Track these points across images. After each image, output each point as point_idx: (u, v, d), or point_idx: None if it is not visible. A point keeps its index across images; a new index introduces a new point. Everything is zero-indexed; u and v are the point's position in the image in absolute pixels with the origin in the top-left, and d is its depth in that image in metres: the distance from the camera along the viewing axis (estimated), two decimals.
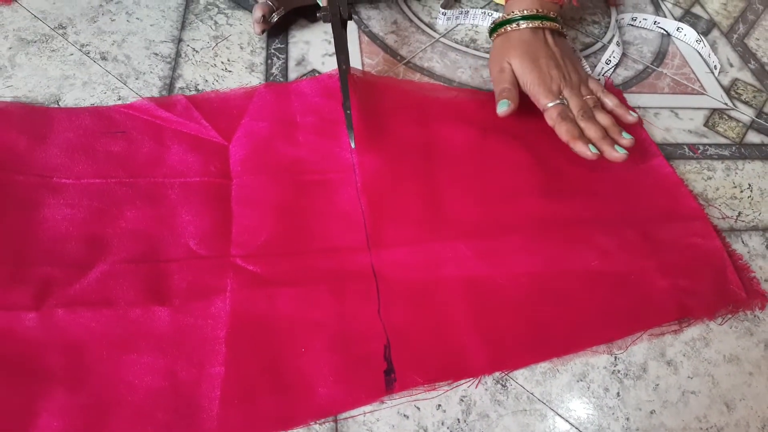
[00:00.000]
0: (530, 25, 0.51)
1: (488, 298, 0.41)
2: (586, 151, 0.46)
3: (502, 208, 0.46)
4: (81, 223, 0.41)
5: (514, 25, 0.52)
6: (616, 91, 0.58)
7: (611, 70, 0.60)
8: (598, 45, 0.64)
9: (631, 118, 0.50)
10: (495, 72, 0.52)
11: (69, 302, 0.37)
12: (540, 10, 0.52)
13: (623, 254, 0.44)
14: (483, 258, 0.43)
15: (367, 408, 0.36)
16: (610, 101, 0.51)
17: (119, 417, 0.34)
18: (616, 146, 0.46)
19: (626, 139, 0.47)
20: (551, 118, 0.48)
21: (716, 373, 0.40)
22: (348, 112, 0.48)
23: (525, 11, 0.52)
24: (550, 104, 0.48)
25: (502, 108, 0.48)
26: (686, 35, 0.65)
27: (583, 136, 0.47)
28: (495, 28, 0.54)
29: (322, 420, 0.35)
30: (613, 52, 0.60)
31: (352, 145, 0.48)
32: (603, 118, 0.49)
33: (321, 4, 0.48)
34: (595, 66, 0.60)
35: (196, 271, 0.40)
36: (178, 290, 0.39)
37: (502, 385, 0.38)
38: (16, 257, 0.39)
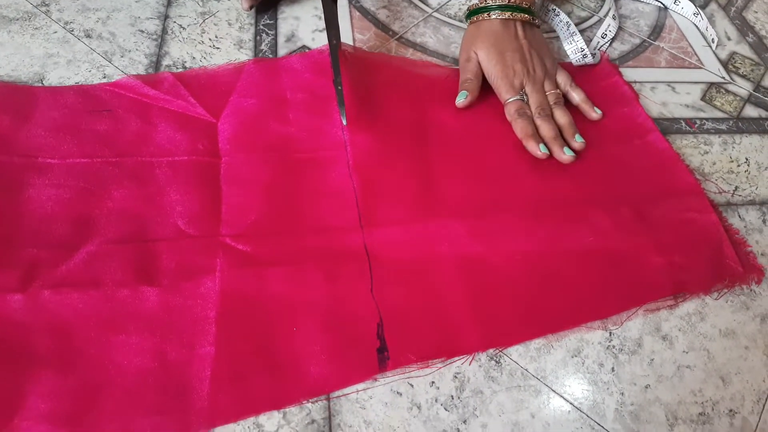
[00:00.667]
0: (501, 16, 0.51)
1: (482, 276, 0.41)
2: (536, 151, 0.47)
3: (496, 186, 0.46)
4: (67, 203, 0.41)
5: (485, 14, 0.51)
6: (612, 65, 0.57)
7: (607, 45, 0.59)
8: (594, 19, 0.62)
9: (595, 115, 0.51)
10: (462, 60, 0.52)
11: (56, 283, 0.37)
12: (513, 1, 0.51)
13: (619, 231, 0.43)
14: (477, 237, 0.42)
15: (360, 385, 0.36)
16: (576, 96, 0.51)
17: (108, 398, 0.33)
18: (566, 148, 0.47)
19: (577, 142, 0.48)
20: (509, 113, 0.49)
21: (712, 348, 0.39)
22: (339, 88, 0.47)
23: (498, 1, 0.51)
24: (510, 99, 0.49)
25: (460, 99, 0.49)
26: (683, 8, 0.64)
27: (536, 135, 0.47)
28: (469, 14, 0.53)
29: (315, 398, 0.35)
30: (609, 26, 0.59)
31: (344, 122, 0.47)
32: (561, 117, 0.49)
33: None
34: (591, 40, 0.59)
35: (185, 251, 0.39)
36: (166, 270, 0.38)
37: (496, 362, 0.38)
38: (1, 238, 0.38)
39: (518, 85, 0.50)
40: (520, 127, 0.48)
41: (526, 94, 0.49)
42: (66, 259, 0.38)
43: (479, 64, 0.51)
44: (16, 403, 0.32)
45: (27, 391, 0.33)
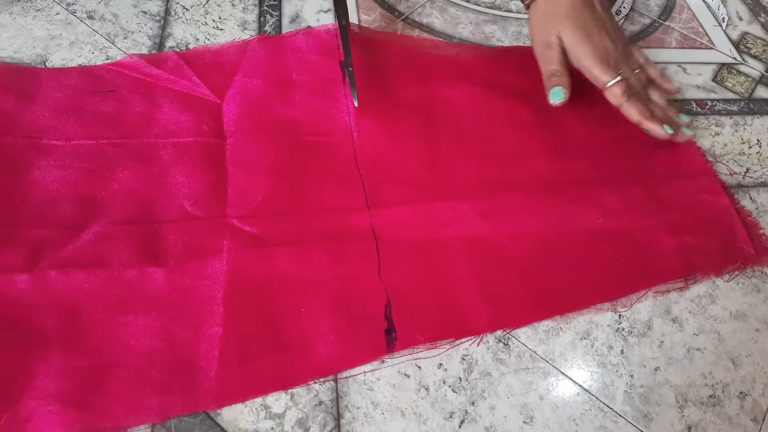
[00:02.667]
0: None
1: (490, 257, 0.40)
2: (661, 132, 0.44)
3: (505, 168, 0.45)
4: (72, 184, 0.40)
5: None
6: None
7: (622, 21, 0.57)
8: None
9: (673, 88, 0.49)
10: (540, 47, 0.46)
11: (62, 264, 0.36)
12: None
13: (629, 213, 0.43)
14: (485, 218, 0.42)
15: (368, 367, 0.36)
16: (653, 71, 0.49)
17: (116, 378, 0.33)
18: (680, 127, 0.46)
19: (685, 121, 0.48)
20: (615, 96, 0.44)
21: (722, 330, 0.39)
22: (350, 69, 0.46)
23: None
24: (612, 82, 0.44)
25: (556, 99, 0.44)
26: None
27: (653, 116, 0.45)
28: None
29: (322, 379, 0.35)
30: (624, 1, 0.57)
31: (355, 104, 0.46)
32: (660, 97, 0.47)
33: None
34: None
35: (191, 232, 0.39)
36: (173, 251, 0.38)
37: (504, 344, 0.37)
38: (6, 219, 0.38)
39: (613, 63, 0.44)
40: (637, 110, 0.44)
41: (624, 74, 0.45)
42: (72, 240, 0.38)
43: (562, 49, 0.44)
44: (25, 383, 0.32)
45: (35, 371, 0.33)
